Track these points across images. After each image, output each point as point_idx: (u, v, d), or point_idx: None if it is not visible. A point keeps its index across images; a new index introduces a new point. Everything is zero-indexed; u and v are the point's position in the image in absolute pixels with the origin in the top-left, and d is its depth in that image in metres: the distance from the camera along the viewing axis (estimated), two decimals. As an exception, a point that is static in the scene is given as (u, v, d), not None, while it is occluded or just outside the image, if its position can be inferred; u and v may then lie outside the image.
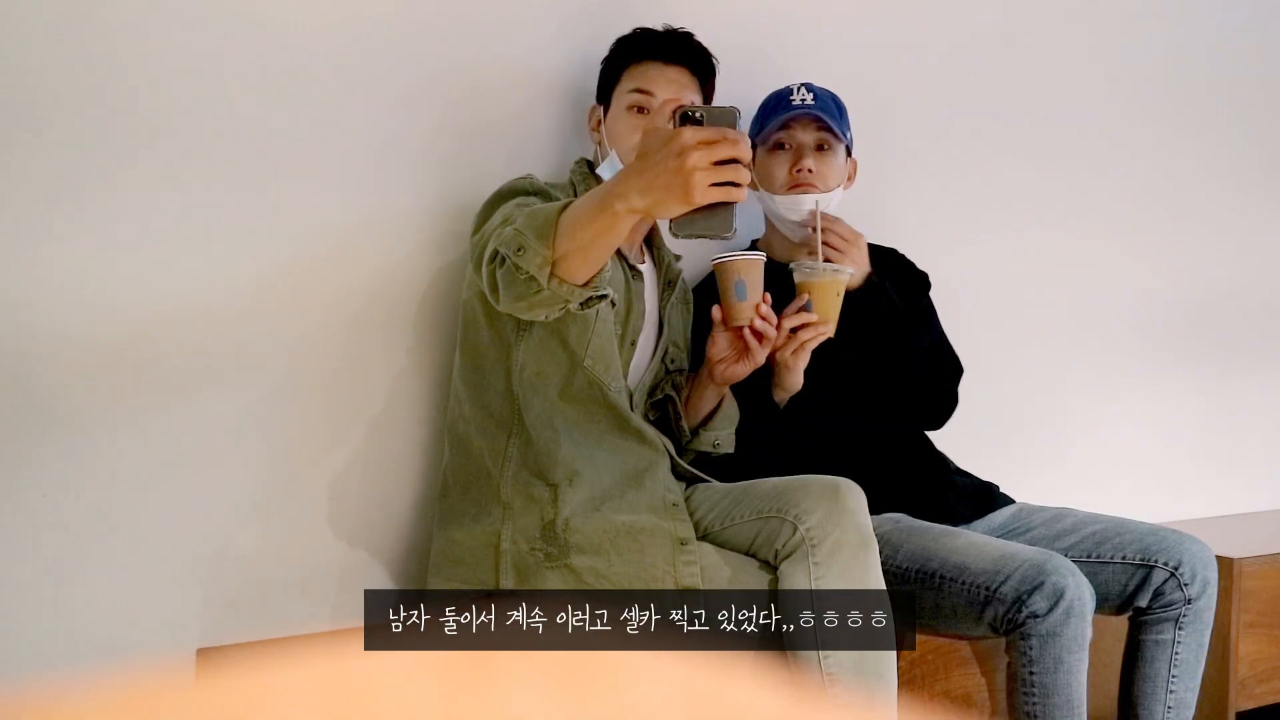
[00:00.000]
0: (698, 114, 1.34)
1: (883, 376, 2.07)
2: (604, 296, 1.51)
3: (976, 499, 2.12)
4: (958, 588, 1.82)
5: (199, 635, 1.77)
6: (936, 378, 2.12)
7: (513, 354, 1.75)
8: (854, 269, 1.99)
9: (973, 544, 1.86)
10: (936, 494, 2.08)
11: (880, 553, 1.70)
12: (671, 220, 1.36)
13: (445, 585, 1.74)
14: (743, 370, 1.87)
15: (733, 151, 1.29)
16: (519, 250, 1.44)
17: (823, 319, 1.89)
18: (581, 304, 1.49)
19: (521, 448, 1.74)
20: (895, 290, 2.14)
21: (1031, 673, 1.77)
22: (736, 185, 1.30)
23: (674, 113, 1.36)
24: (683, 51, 1.90)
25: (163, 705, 0.33)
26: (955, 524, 2.03)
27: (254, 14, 1.80)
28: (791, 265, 1.94)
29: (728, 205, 1.33)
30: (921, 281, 2.22)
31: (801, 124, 2.05)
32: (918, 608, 1.87)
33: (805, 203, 2.03)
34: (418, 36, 1.94)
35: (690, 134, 1.29)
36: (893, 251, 2.23)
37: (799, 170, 2.04)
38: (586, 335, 1.74)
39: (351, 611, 1.88)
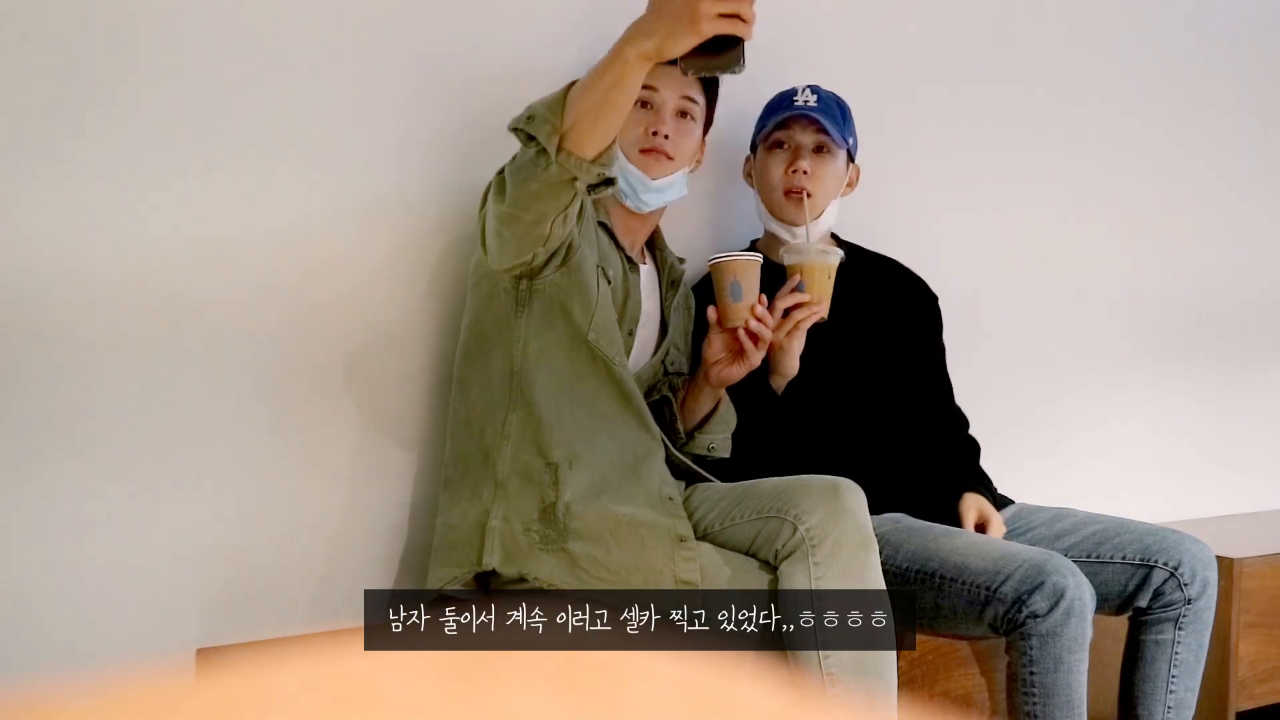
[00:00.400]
0: None
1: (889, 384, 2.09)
2: (612, 181, 1.53)
3: None
4: (958, 588, 1.82)
5: (199, 635, 1.76)
6: (956, 445, 2.17)
7: (514, 330, 1.74)
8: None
9: (973, 544, 1.86)
10: (936, 494, 2.08)
11: (880, 553, 1.70)
12: (681, 58, 1.39)
13: (439, 572, 1.73)
14: (738, 372, 1.87)
15: None
16: (529, 119, 1.46)
17: (816, 299, 1.90)
18: (590, 188, 1.51)
19: (520, 425, 1.73)
20: (905, 313, 2.14)
21: (1031, 673, 1.77)
22: (744, 21, 1.34)
23: None
24: None
25: (163, 705, 0.33)
26: (956, 524, 2.03)
27: (260, 8, 1.80)
28: (782, 250, 1.95)
29: (737, 42, 1.37)
30: (932, 309, 2.22)
31: (801, 125, 2.05)
32: (918, 608, 1.87)
33: (798, 234, 2.04)
34: (423, 30, 1.94)
35: None
36: (907, 271, 2.23)
37: (794, 171, 2.04)
38: (590, 309, 1.74)
39: (351, 611, 1.88)
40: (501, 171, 1.56)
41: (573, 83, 1.48)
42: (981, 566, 1.80)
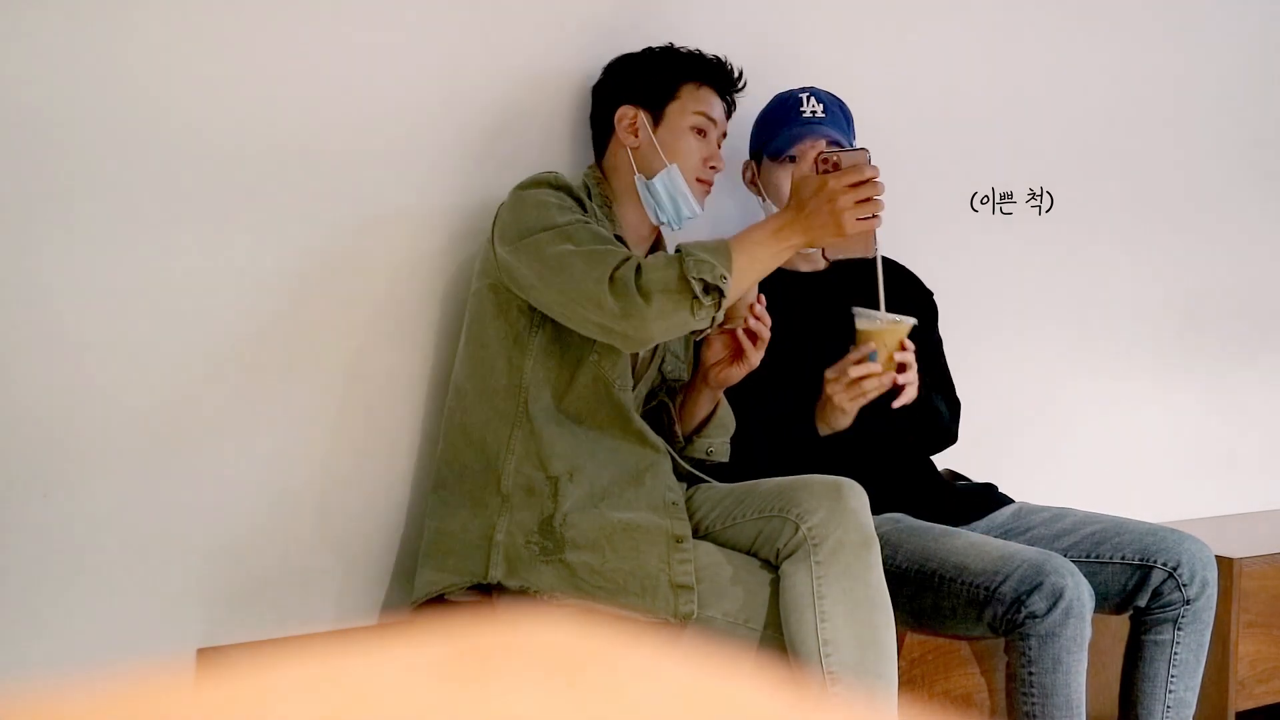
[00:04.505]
0: (835, 158, 1.70)
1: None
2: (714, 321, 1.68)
3: (976, 499, 2.12)
4: (957, 587, 1.82)
5: (199, 635, 1.76)
6: (939, 422, 2.13)
7: (523, 347, 1.75)
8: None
9: (972, 544, 1.86)
10: (936, 494, 2.08)
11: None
12: (825, 248, 1.76)
13: (435, 575, 1.73)
14: (737, 373, 1.87)
15: (872, 191, 1.64)
16: (723, 277, 1.62)
17: (886, 368, 1.87)
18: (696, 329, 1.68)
19: (524, 440, 1.74)
20: (903, 307, 2.13)
21: (1030, 673, 1.77)
22: (875, 215, 1.65)
23: (817, 160, 1.71)
24: (731, 86, 1.98)
25: (163, 705, 0.33)
26: (955, 524, 2.03)
27: (273, 12, 1.80)
28: (854, 310, 1.93)
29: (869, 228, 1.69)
30: (928, 303, 2.21)
31: (812, 138, 2.04)
32: (918, 608, 1.86)
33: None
34: (436, 39, 1.94)
35: (835, 181, 1.64)
36: (903, 270, 2.22)
37: None
38: None
39: (352, 611, 1.88)
40: (624, 279, 1.62)
41: (727, 244, 1.66)
42: (980, 567, 1.80)
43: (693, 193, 1.88)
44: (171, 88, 1.73)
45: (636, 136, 1.90)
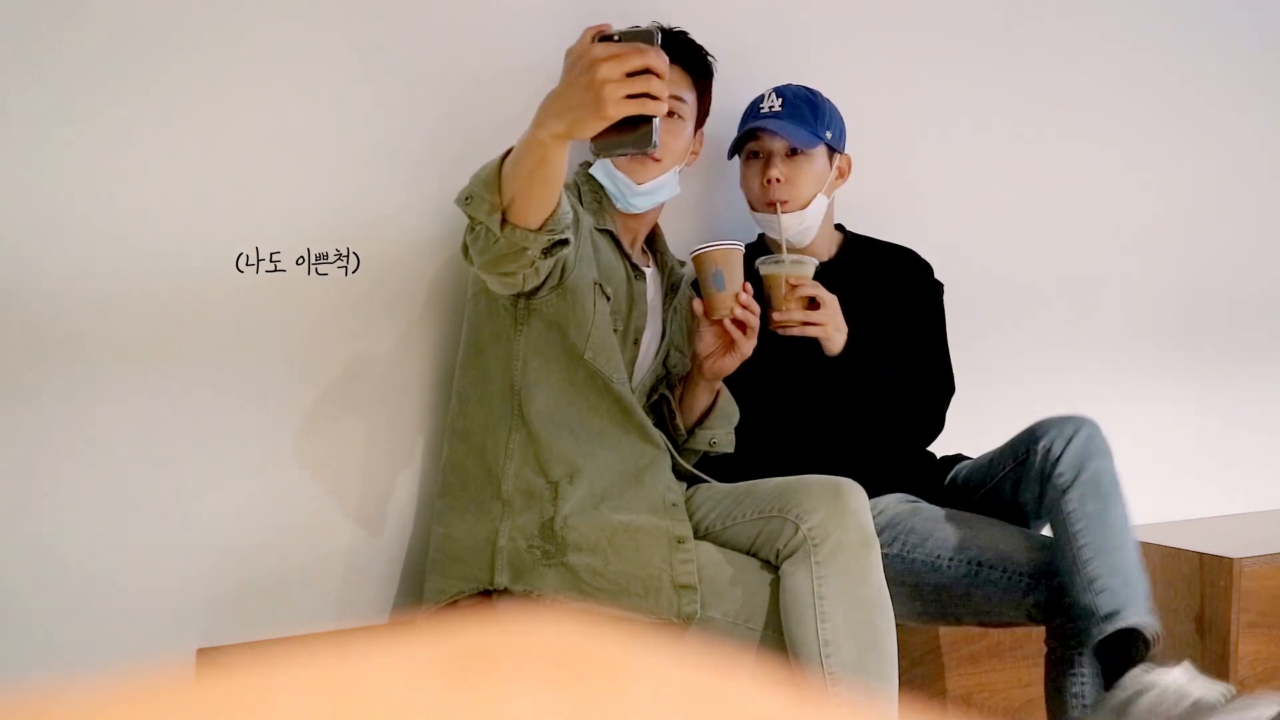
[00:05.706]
0: (615, 36, 1.33)
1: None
2: (564, 242, 1.50)
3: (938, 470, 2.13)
4: (997, 575, 1.83)
5: (199, 635, 1.76)
6: (925, 394, 2.08)
7: (512, 348, 1.75)
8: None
9: (1012, 532, 1.88)
10: (931, 471, 2.09)
11: (904, 542, 1.68)
12: (592, 140, 1.35)
13: (442, 583, 1.74)
14: (730, 363, 1.85)
15: (642, 61, 1.28)
16: (467, 200, 1.46)
17: (786, 305, 1.90)
18: (543, 251, 1.49)
19: (523, 444, 1.73)
20: (905, 293, 2.13)
21: (1079, 655, 1.78)
22: (653, 98, 1.29)
23: (592, 37, 1.34)
24: (676, 50, 1.89)
25: (163, 705, 0.33)
26: (949, 503, 2.01)
27: (270, 12, 1.80)
28: (758, 261, 1.94)
29: (647, 119, 1.32)
30: (933, 288, 2.21)
31: (770, 131, 2.04)
32: (945, 596, 1.85)
33: (772, 224, 2.04)
34: (428, 33, 1.94)
35: (600, 49, 1.29)
36: (908, 252, 2.22)
37: (768, 180, 2.02)
38: (586, 328, 1.74)
39: (353, 611, 1.88)
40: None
41: (507, 153, 1.46)
42: (1026, 556, 1.82)
43: (624, 170, 1.82)
44: (168, 86, 1.74)
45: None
